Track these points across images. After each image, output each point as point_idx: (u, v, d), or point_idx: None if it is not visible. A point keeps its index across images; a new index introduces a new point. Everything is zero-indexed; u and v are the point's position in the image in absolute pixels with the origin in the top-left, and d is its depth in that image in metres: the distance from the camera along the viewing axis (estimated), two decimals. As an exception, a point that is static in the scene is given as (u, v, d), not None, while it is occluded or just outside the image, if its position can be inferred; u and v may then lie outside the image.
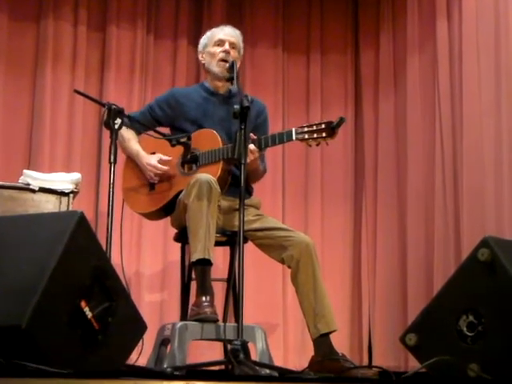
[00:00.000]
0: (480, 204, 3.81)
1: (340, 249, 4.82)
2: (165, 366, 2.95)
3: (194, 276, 3.17)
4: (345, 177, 4.92)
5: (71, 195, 3.60)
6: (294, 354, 4.51)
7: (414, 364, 3.07)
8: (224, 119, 3.37)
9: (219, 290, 3.57)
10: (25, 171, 3.64)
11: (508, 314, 2.14)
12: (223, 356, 3.57)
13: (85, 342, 2.03)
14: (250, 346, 2.96)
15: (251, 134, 3.16)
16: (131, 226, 4.34)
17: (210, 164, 3.23)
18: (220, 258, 3.87)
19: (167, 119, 3.49)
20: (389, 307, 4.51)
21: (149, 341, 3.02)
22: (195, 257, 3.04)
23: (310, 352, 3.17)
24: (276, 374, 2.82)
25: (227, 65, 3.29)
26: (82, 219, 2.09)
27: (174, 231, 3.44)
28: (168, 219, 3.44)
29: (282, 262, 3.23)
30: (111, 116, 2.90)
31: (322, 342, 3.11)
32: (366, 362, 4.51)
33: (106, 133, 3.04)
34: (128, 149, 3.46)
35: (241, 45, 3.53)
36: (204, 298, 3.05)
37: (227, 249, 3.44)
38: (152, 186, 3.40)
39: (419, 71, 4.51)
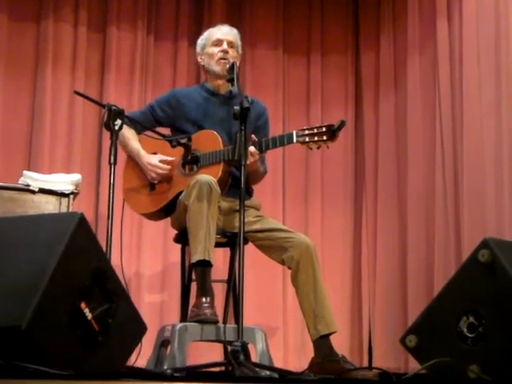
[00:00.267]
0: (480, 205, 3.81)
1: (340, 249, 4.82)
2: (165, 367, 2.94)
3: (194, 277, 3.17)
4: (345, 177, 4.92)
5: (71, 196, 3.59)
6: (294, 355, 4.51)
7: (414, 365, 3.08)
8: (224, 120, 3.37)
9: (219, 291, 3.56)
10: (25, 172, 3.64)
11: (508, 315, 2.13)
12: (223, 357, 3.57)
13: (85, 344, 2.03)
14: (250, 347, 2.97)
15: (252, 136, 3.16)
16: (131, 227, 4.34)
17: (211, 165, 3.23)
18: (220, 259, 3.86)
19: (168, 120, 3.49)
20: (389, 308, 4.51)
21: (148, 342, 3.01)
22: (195, 258, 3.03)
23: (310, 353, 3.17)
24: (276, 375, 2.82)
25: (227, 65, 3.28)
26: (82, 220, 2.09)
27: (174, 232, 3.44)
28: (168, 220, 3.44)
29: (283, 263, 3.23)
30: (111, 117, 2.89)
31: (321, 343, 3.11)
32: (366, 363, 4.51)
33: (106, 134, 3.04)
34: (128, 147, 3.45)
35: (239, 43, 3.52)
36: (204, 300, 3.04)
37: (227, 250, 3.44)
38: (152, 187, 3.39)
39: (420, 72, 4.51)
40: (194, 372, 2.84)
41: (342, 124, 3.04)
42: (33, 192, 3.52)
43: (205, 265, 3.05)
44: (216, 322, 3.02)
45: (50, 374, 1.80)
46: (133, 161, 3.46)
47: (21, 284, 1.97)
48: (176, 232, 3.40)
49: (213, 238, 3.05)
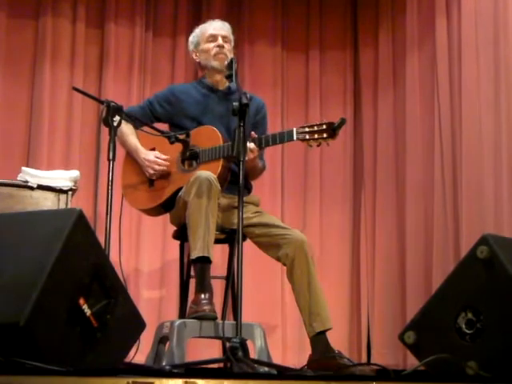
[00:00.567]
0: (479, 202, 3.81)
1: (339, 247, 4.82)
2: (163, 363, 2.95)
3: (192, 273, 3.16)
4: (344, 175, 4.91)
5: (70, 193, 3.59)
6: (293, 351, 4.51)
7: (412, 362, 3.08)
8: (223, 115, 3.37)
9: (218, 287, 3.57)
10: (23, 168, 3.64)
11: (507, 311, 2.14)
12: (222, 354, 3.57)
13: (83, 340, 2.03)
14: (249, 343, 2.96)
15: (252, 133, 3.15)
16: (130, 223, 4.34)
17: (210, 161, 3.23)
18: (218, 255, 3.86)
19: (166, 116, 3.49)
20: (387, 305, 4.51)
21: (147, 338, 3.01)
22: (195, 254, 3.03)
23: (309, 350, 3.17)
24: (275, 371, 2.82)
25: (226, 61, 3.27)
26: (80, 216, 2.08)
27: (172, 229, 3.43)
28: (167, 217, 3.44)
29: (278, 260, 3.24)
30: (110, 113, 2.89)
31: (318, 340, 3.11)
32: (364, 359, 4.51)
33: (105, 130, 3.04)
34: (127, 142, 3.45)
35: (231, 37, 3.53)
36: (203, 296, 3.04)
37: (226, 246, 3.44)
38: (151, 183, 3.39)
39: (418, 69, 4.51)
40: (192, 368, 2.84)
41: (343, 122, 3.04)
42: (31, 188, 3.52)
43: (204, 261, 3.05)
44: (215, 319, 3.02)
45: (48, 370, 1.80)
46: (131, 156, 3.46)
47: (19, 280, 1.96)
48: (175, 228, 3.40)
49: (212, 235, 3.05)
